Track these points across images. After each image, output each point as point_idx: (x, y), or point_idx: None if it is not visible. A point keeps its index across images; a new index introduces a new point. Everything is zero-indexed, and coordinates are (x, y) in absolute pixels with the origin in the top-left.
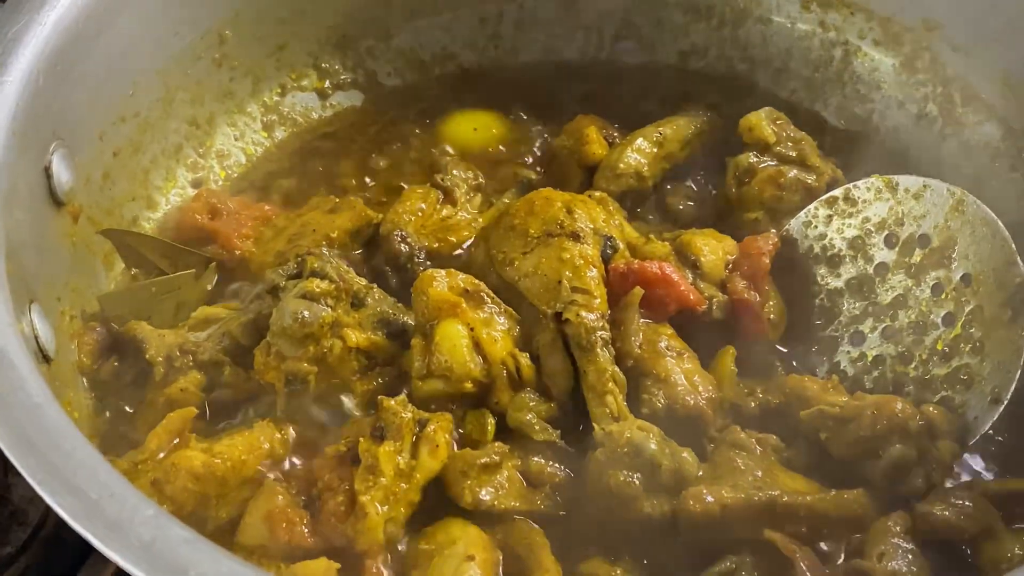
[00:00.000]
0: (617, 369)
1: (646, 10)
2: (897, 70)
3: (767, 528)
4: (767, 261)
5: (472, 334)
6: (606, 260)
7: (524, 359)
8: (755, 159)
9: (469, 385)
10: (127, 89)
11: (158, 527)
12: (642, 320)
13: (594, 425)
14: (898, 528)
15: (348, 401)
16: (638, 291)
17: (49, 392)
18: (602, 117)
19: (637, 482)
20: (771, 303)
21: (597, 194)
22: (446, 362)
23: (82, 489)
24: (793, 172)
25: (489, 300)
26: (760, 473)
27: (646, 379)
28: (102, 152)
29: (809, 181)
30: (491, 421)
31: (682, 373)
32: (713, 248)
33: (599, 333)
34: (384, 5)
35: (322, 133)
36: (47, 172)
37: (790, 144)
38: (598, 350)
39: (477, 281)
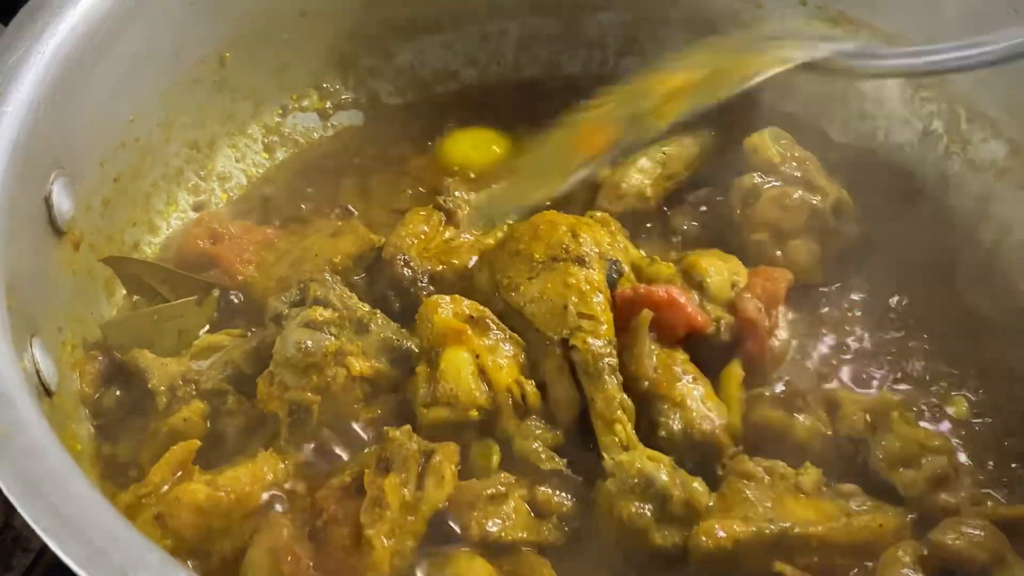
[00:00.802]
0: (625, 396)
1: (648, 26)
2: (902, 87)
3: (778, 560)
4: (784, 288)
5: (477, 361)
6: (612, 285)
7: (530, 386)
8: (759, 180)
9: (474, 413)
10: (128, 115)
11: (162, 572)
12: (654, 344)
13: (603, 455)
14: (907, 559)
15: (354, 429)
16: (647, 314)
17: (52, 433)
18: None
19: (648, 513)
20: (778, 333)
21: (599, 214)
22: (451, 390)
23: (86, 535)
24: (798, 193)
25: (494, 326)
26: (770, 504)
27: (662, 403)
28: (103, 179)
29: (814, 202)
30: (496, 451)
31: (697, 399)
32: (719, 268)
33: (607, 360)
34: (385, 24)
35: (323, 153)
36: (47, 202)
37: (794, 164)
38: (606, 377)
39: (482, 307)
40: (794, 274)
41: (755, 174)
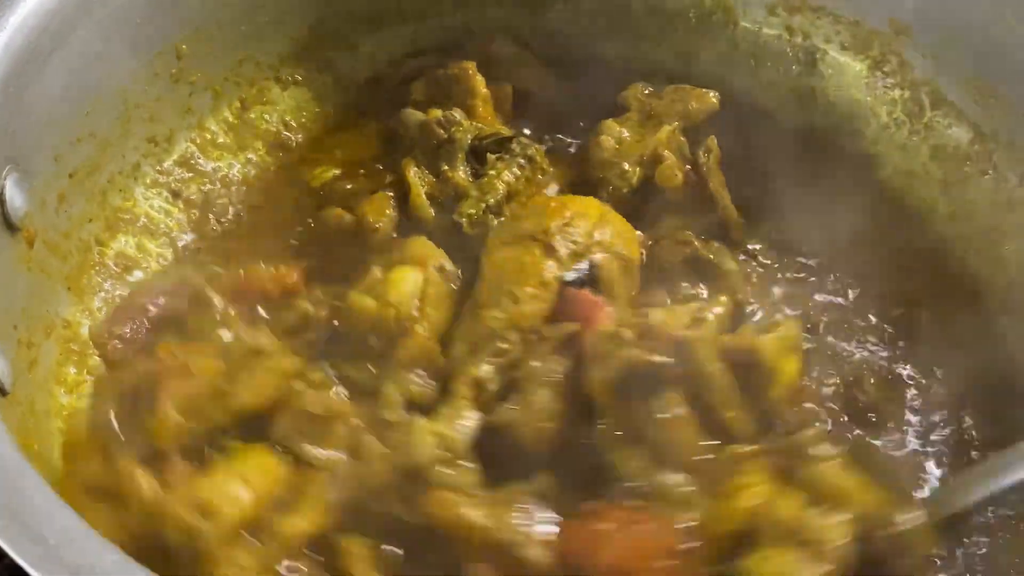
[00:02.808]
0: (490, 378)
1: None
2: (865, 74)
3: None
4: None
5: (424, 288)
6: (576, 283)
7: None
8: None
9: (392, 312)
10: (83, 109)
11: (119, 572)
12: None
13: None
14: None
15: None
16: (575, 328)
17: (5, 432)
18: None
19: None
20: None
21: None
22: (387, 288)
23: (41, 535)
24: None
25: (454, 287)
26: None
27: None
28: (58, 174)
29: None
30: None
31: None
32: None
33: (496, 342)
34: (348, 16)
35: (284, 145)
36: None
37: None
38: (482, 355)
39: (455, 269)
40: None
41: None
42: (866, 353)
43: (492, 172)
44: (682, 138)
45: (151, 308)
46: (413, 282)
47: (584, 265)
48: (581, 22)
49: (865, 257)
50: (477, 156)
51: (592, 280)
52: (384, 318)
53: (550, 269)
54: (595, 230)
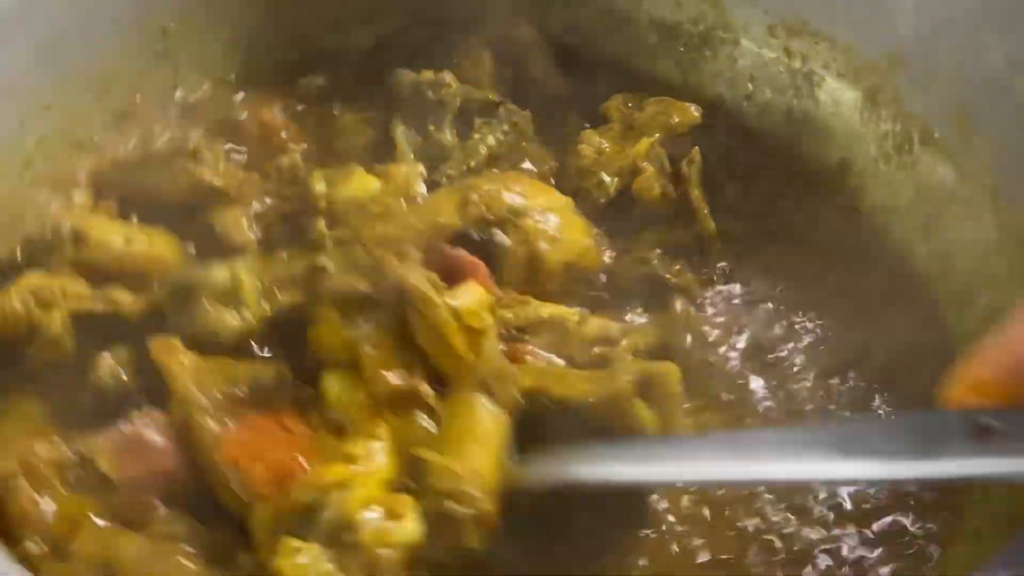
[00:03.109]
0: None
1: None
2: (859, 104)
3: None
4: None
5: (367, 202)
6: (459, 241)
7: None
8: None
9: (324, 206)
10: (56, 77)
11: None
12: None
13: None
14: None
15: None
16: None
17: None
18: None
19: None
20: None
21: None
22: (341, 185)
23: None
24: None
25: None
26: None
27: None
28: (22, 139)
29: None
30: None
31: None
32: None
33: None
34: (341, 5)
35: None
36: None
37: None
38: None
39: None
40: None
41: None
42: (829, 387)
43: (477, 136)
44: (662, 150)
45: None
46: (360, 190)
47: (480, 234)
48: (580, 28)
49: (836, 288)
50: (465, 120)
51: (485, 252)
52: (318, 206)
53: (446, 216)
54: (527, 214)
